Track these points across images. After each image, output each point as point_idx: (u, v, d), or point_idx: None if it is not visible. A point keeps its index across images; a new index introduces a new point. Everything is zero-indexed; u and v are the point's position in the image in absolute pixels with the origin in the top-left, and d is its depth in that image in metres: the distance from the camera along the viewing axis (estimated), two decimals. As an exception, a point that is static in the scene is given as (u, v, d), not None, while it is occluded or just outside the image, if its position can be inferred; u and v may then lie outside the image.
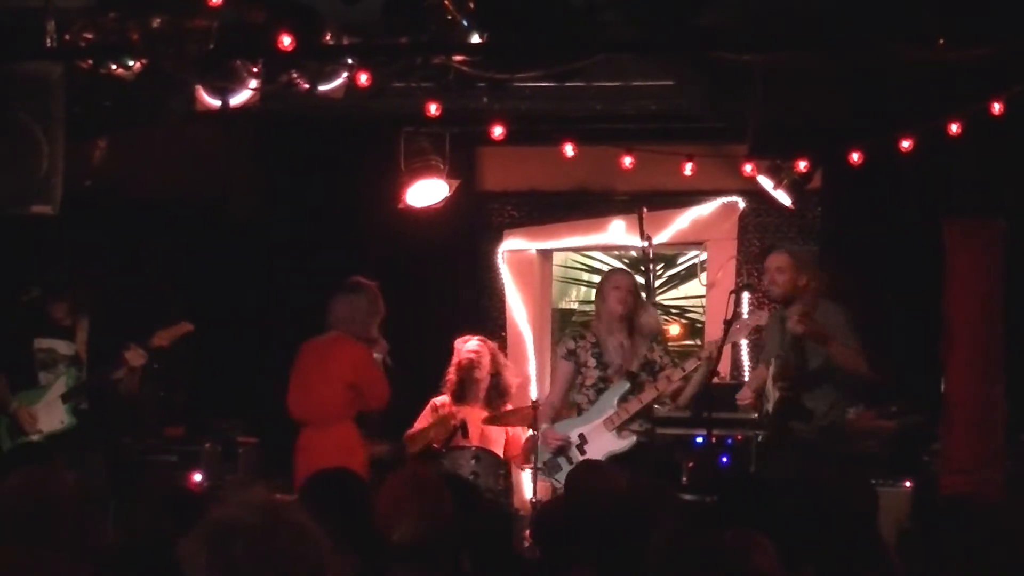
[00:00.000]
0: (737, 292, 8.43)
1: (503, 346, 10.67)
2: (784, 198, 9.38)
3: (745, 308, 9.80)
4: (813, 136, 8.30)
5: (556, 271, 11.93)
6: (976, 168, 8.36)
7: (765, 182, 9.38)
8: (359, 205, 10.76)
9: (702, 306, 11.47)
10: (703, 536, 3.79)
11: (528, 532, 7.45)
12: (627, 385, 8.49)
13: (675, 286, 12.46)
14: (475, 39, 7.19)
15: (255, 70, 7.62)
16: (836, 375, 8.08)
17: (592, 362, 8.59)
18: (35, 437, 8.31)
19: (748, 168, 9.37)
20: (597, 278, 11.98)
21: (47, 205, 7.52)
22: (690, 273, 12.16)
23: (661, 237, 10.58)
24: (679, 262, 12.27)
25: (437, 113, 7.97)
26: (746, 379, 9.71)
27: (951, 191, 8.59)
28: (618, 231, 10.97)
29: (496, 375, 9.75)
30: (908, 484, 8.73)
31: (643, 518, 4.83)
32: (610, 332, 8.58)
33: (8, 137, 7.47)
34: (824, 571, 4.78)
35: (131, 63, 7.23)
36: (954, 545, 4.21)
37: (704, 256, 11.08)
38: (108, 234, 9.99)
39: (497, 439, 9.62)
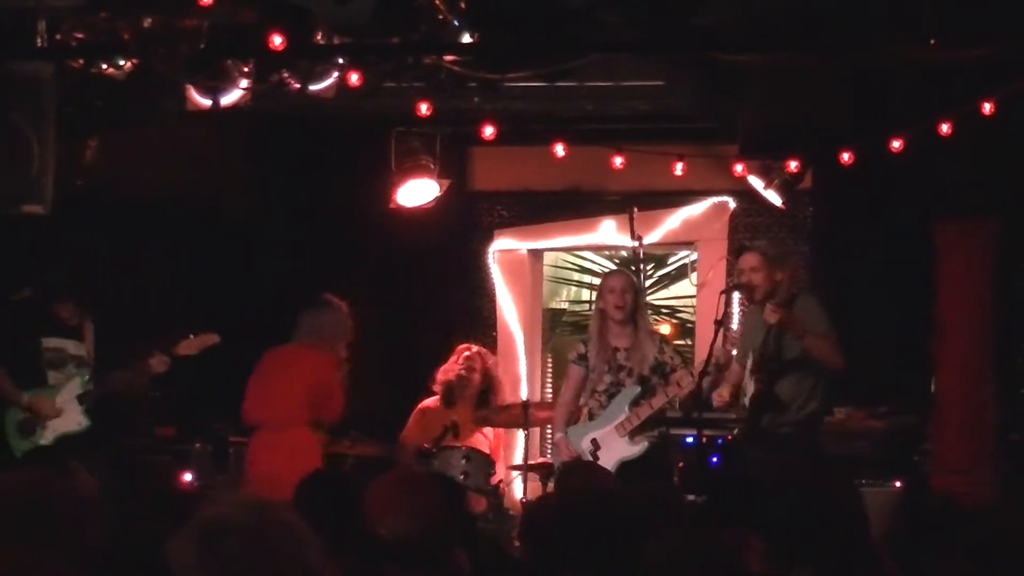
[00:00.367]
0: (728, 292, 8.41)
1: (493, 346, 10.67)
2: (775, 198, 9.40)
3: (736, 308, 9.79)
4: (808, 136, 8.32)
5: (547, 271, 11.90)
6: (968, 168, 8.35)
7: (756, 182, 9.40)
8: (350, 205, 10.73)
9: (693, 306, 11.46)
10: (695, 536, 3.79)
11: (516, 532, 7.43)
12: (638, 389, 8.35)
13: (666, 286, 12.45)
14: (466, 39, 7.20)
15: (246, 70, 7.62)
16: (812, 367, 8.00)
17: (603, 367, 8.44)
18: (46, 439, 8.29)
19: (739, 168, 9.39)
20: (588, 278, 12.02)
21: (38, 205, 7.52)
22: (681, 273, 12.14)
23: (652, 237, 10.57)
24: (670, 262, 12.25)
25: (428, 113, 7.96)
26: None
27: (943, 191, 8.58)
28: (609, 231, 10.96)
29: (488, 389, 9.72)
30: (899, 484, 8.72)
31: (634, 518, 4.82)
32: (614, 335, 8.46)
33: (-1, 136, 7.48)
34: (824, 571, 4.77)
35: (122, 63, 7.24)
36: (945, 545, 4.22)
37: (695, 256, 11.07)
38: (102, 234, 9.95)
39: (486, 439, 9.62)
